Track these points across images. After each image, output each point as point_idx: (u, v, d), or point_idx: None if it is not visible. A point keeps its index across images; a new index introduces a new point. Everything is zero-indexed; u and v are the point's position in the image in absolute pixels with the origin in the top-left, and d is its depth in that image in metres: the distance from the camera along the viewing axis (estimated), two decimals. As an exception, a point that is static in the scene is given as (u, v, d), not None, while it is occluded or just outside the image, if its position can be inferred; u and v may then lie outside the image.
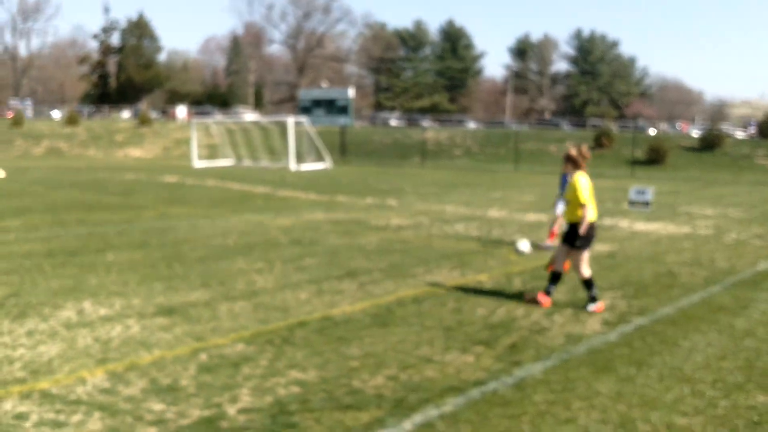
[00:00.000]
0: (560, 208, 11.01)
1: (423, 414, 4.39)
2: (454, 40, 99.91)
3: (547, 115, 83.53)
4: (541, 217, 15.34)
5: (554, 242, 11.28)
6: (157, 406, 4.45)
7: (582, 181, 7.08)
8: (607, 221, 14.85)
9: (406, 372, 5.16)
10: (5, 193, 19.61)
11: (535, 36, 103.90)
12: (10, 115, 67.07)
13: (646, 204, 12.03)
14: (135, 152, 57.31)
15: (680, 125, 63.34)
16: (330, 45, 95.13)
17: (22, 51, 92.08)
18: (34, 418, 4.23)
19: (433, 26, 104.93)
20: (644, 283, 8.57)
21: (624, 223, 14.51)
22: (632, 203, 12.31)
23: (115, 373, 5.03)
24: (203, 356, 5.46)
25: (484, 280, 8.53)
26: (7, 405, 4.41)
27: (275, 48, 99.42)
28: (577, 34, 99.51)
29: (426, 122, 65.85)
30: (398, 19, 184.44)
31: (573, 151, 7.27)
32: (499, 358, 5.50)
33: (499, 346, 5.83)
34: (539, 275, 8.85)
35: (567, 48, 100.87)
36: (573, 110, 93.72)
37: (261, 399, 4.61)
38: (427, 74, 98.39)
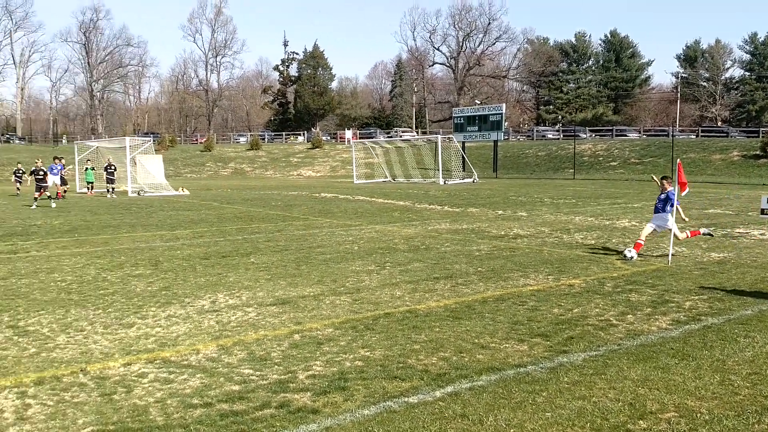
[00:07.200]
0: (669, 221, 10.78)
1: (455, 386, 5.01)
2: (617, 50, 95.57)
3: (719, 124, 76.51)
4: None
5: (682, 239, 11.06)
6: (246, 371, 5.53)
7: None
8: (739, 230, 14.00)
9: (458, 355, 5.79)
10: (185, 208, 22.76)
11: (706, 41, 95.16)
12: (202, 141, 76.02)
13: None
14: (307, 172, 62.06)
15: None
16: (489, 63, 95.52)
17: (213, 84, 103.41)
18: (150, 376, 5.47)
19: (596, 37, 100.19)
20: (739, 288, 8.31)
21: (755, 233, 13.63)
22: (764, 211, 11.58)
23: (223, 347, 6.21)
24: (297, 336, 6.50)
25: (577, 283, 8.78)
26: (135, 367, 5.71)
27: (437, 69, 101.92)
28: (752, 38, 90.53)
29: (583, 134, 63.62)
30: (560, 33, 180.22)
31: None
32: (550, 348, 5.91)
33: (556, 338, 6.22)
34: (634, 281, 8.90)
35: (741, 53, 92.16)
36: (749, 118, 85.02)
37: (328, 369, 5.51)
38: (590, 86, 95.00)
